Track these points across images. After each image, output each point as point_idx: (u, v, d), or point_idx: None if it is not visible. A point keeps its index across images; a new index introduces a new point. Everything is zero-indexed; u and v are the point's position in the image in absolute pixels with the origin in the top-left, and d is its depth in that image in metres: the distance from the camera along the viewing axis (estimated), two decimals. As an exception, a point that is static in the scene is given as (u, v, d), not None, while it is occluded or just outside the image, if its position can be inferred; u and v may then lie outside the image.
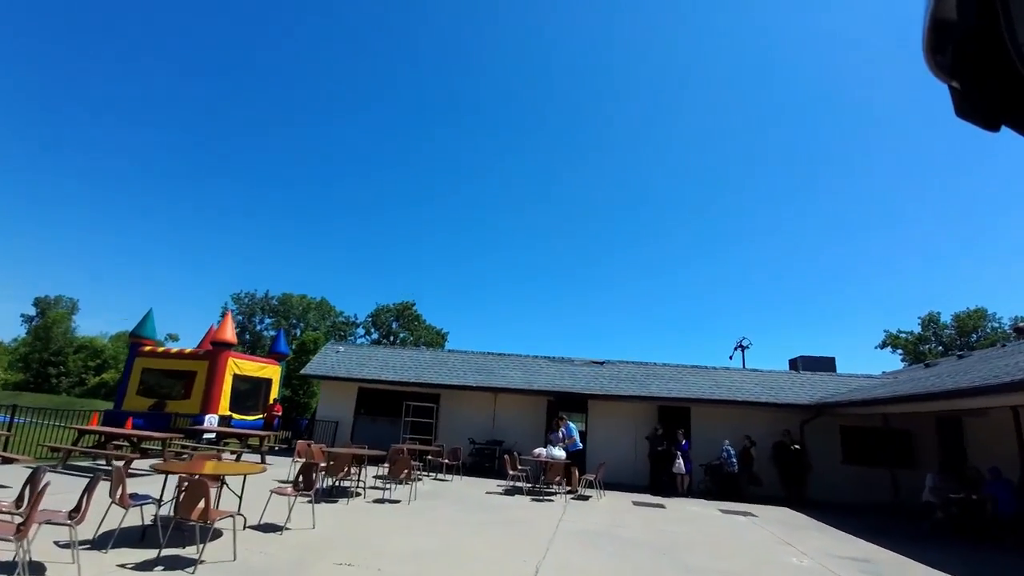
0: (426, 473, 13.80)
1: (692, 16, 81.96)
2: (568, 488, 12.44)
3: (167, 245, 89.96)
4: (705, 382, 15.53)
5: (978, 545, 8.92)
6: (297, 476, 7.57)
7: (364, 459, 11.19)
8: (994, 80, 0.68)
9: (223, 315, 21.34)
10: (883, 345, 54.21)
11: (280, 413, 18.69)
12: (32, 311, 68.92)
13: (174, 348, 22.31)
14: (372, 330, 69.69)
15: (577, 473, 12.45)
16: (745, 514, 11.32)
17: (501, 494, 11.55)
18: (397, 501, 9.59)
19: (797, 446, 13.50)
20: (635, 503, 11.70)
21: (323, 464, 9.41)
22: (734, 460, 13.79)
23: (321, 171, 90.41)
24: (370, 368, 17.44)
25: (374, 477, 11.60)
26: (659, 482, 13.84)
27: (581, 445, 12.68)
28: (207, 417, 16.59)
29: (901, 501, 12.35)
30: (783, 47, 77.18)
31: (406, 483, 10.15)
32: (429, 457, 13.87)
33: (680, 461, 12.81)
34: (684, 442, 13.18)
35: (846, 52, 70.82)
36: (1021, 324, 13.68)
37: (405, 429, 16.19)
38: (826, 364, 17.17)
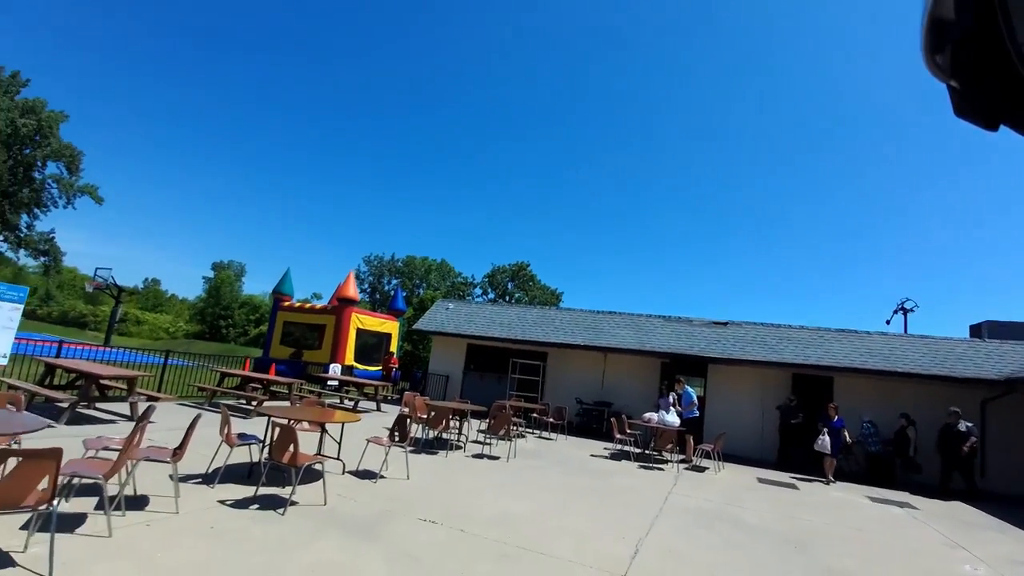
0: (530, 431, 13.57)
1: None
2: (681, 458, 11.40)
3: (313, 213, 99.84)
4: (854, 349, 13.19)
5: None
6: (393, 427, 7.55)
7: (466, 413, 11.15)
8: (993, 80, 0.67)
9: (348, 275, 22.69)
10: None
11: (396, 365, 19.68)
12: (210, 273, 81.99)
13: (307, 303, 24.47)
14: (489, 290, 71.81)
15: (692, 442, 11.32)
16: (902, 504, 9.46)
17: (607, 458, 10.88)
18: (496, 458, 9.36)
19: (969, 424, 10.82)
20: (760, 480, 10.35)
21: (423, 416, 9.45)
22: (876, 438, 11.68)
23: (451, 145, 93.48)
24: (478, 325, 17.50)
25: (478, 431, 11.53)
26: (789, 458, 12.19)
27: (698, 413, 11.46)
28: (332, 366, 17.92)
29: None
30: (783, 46, 62.34)
31: (507, 439, 9.88)
32: (535, 415, 13.59)
33: (826, 438, 10.89)
34: (837, 418, 11.13)
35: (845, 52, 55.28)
36: None
37: (511, 386, 16.09)
38: (1021, 331, 13.65)
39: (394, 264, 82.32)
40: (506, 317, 17.68)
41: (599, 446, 12.21)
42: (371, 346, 23.67)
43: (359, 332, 22.55)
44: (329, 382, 16.32)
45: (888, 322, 21.04)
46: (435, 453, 9.07)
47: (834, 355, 13.04)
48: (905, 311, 19.84)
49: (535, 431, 13.53)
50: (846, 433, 11.23)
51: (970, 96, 0.71)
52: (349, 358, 21.79)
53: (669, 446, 10.41)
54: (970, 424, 10.85)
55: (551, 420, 13.22)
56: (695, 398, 11.42)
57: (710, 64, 78.53)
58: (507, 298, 68.71)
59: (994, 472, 11.81)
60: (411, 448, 9.06)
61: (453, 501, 6.27)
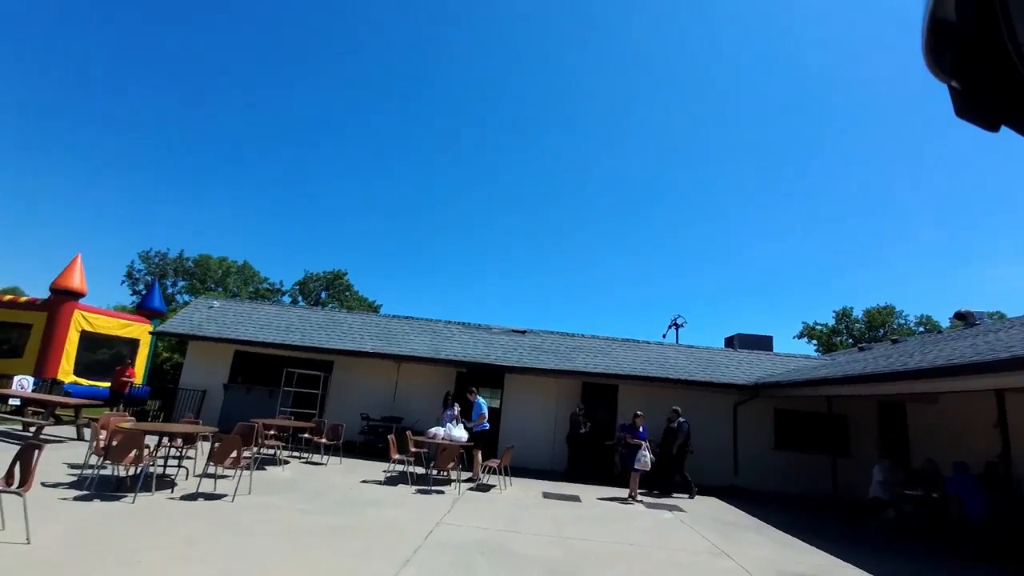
0: (297, 455, 11.20)
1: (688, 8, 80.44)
2: (468, 476, 10.27)
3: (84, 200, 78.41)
4: (635, 357, 13.79)
5: (942, 553, 7.51)
6: (12, 464, 4.84)
7: (193, 436, 8.49)
8: (994, 80, 0.68)
9: (74, 258, 17.21)
10: (800, 335, 56.20)
11: (132, 378, 15.30)
12: None
13: (9, 295, 18.12)
14: (299, 299, 65.09)
15: (480, 458, 10.28)
16: (671, 508, 9.59)
17: (381, 483, 9.19)
18: (220, 496, 7.00)
19: (681, 420, 11.39)
20: (546, 495, 9.69)
21: (102, 444, 6.66)
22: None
23: (250, 129, 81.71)
24: (249, 328, 14.43)
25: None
26: (577, 468, 11.97)
27: (488, 425, 10.50)
28: (16, 378, 13.01)
29: (840, 493, 11.09)
30: (780, 45, 77.35)
31: (238, 469, 7.55)
32: (304, 435, 11.29)
33: (647, 454, 10.13)
34: (642, 429, 10.67)
35: (845, 51, 71.85)
36: (963, 311, 12.64)
37: (285, 401, 13.43)
38: (764, 343, 15.98)
39: (182, 263, 69.35)
40: (285, 319, 14.93)
41: (379, 469, 10.45)
42: (111, 357, 18.43)
43: (85, 336, 17.30)
44: (10, 400, 11.64)
45: (664, 336, 23.84)
46: (117, 498, 6.35)
47: (619, 364, 13.40)
48: (677, 326, 22.46)
49: (303, 455, 11.20)
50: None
51: (971, 96, 0.71)
52: (65, 370, 16.47)
53: (451, 464, 9.15)
54: (682, 420, 11.33)
55: (324, 441, 11.06)
56: (485, 409, 10.44)
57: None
58: (320, 309, 62.97)
59: (744, 469, 13.11)
60: (79, 493, 6.27)
61: (74, 581, 3.95)
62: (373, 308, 66.21)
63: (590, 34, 76.37)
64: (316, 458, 11.05)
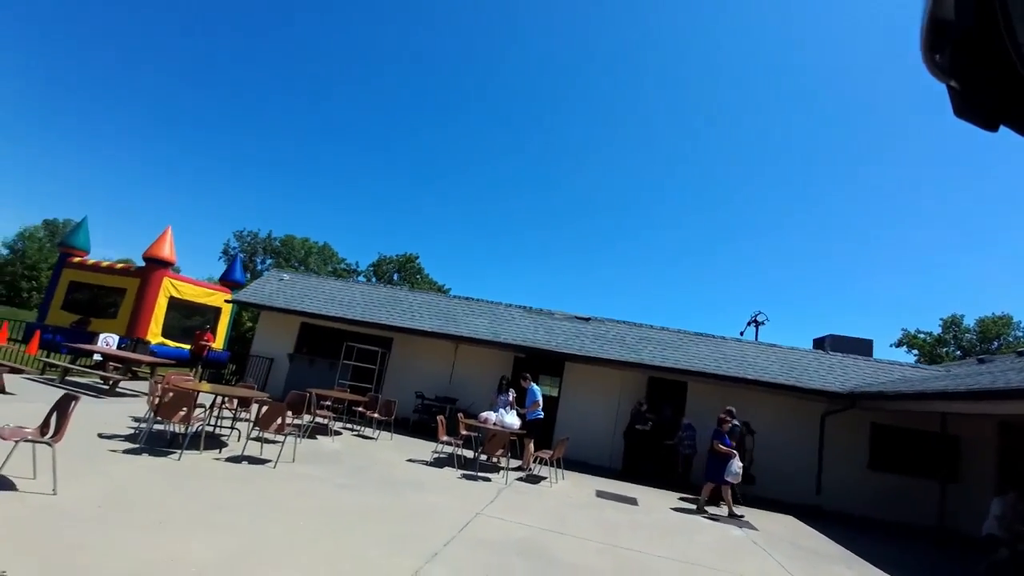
0: (350, 427, 11.19)
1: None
2: (517, 464, 9.74)
3: (183, 180, 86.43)
4: (709, 353, 12.57)
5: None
6: (49, 414, 4.83)
7: (250, 401, 8.55)
8: (993, 80, 0.67)
9: (164, 230, 18.40)
10: (899, 344, 50.72)
11: (211, 343, 16.14)
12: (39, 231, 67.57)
13: (106, 262, 19.74)
14: (373, 279, 67.54)
15: (531, 447, 9.70)
16: (740, 523, 8.53)
17: (428, 464, 8.86)
18: (265, 461, 6.91)
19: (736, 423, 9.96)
20: (599, 493, 8.95)
21: (155, 401, 6.73)
22: (692, 442, 10.99)
23: (339, 120, 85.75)
24: (315, 301, 14.69)
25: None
26: (635, 467, 11.10)
27: (542, 414, 9.88)
28: (102, 336, 13.99)
29: (945, 525, 9.49)
30: (780, 43, 70.61)
31: (286, 436, 7.44)
32: (359, 409, 11.24)
33: (738, 463, 8.92)
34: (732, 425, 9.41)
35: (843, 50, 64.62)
36: None
37: (344, 374, 13.56)
38: (861, 347, 14.10)
39: (270, 243, 74.31)
40: (348, 294, 15.06)
41: (428, 448, 10.16)
42: (197, 322, 19.67)
43: (173, 302, 18.50)
44: (94, 355, 12.51)
45: (742, 334, 21.94)
46: (163, 454, 6.38)
47: (691, 359, 12.28)
48: (757, 323, 20.56)
49: (356, 428, 11.17)
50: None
51: (970, 96, 0.70)
52: (155, 332, 17.71)
53: (500, 451, 8.63)
54: (737, 423, 9.90)
55: (376, 416, 10.95)
56: (539, 397, 9.82)
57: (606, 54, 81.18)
58: (383, 285, 65.21)
59: (829, 488, 11.63)
60: (130, 446, 6.35)
61: (89, 537, 3.77)
62: (443, 291, 67.62)
63: (676, 15, 72.47)
64: (368, 432, 10.97)
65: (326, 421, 10.20)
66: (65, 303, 18.30)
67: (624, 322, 13.91)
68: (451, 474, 8.40)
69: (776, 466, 11.40)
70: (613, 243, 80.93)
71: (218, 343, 19.64)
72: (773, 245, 73.41)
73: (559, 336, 13.02)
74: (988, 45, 0.64)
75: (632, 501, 8.78)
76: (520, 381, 10.20)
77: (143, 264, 18.03)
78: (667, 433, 11.70)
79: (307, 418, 9.64)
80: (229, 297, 18.58)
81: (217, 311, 20.18)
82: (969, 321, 49.45)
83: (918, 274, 65.76)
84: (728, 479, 8.71)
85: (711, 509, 9.00)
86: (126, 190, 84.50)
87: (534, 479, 9.16)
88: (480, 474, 8.64)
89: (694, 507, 9.11)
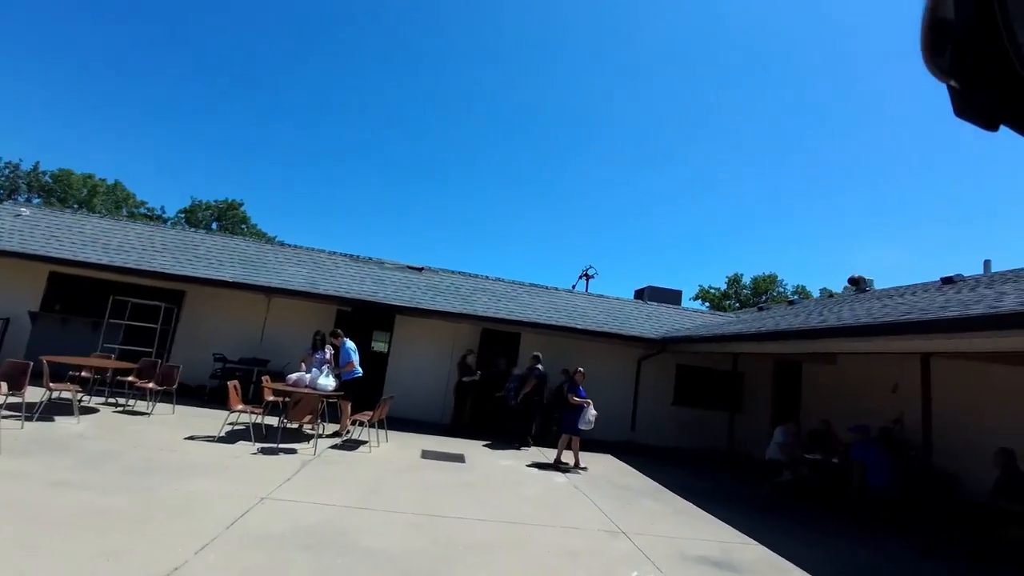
0: (113, 403, 8.92)
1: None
2: (334, 430, 8.62)
3: None
4: (542, 304, 12.62)
5: (848, 524, 7.03)
6: None
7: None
8: (993, 80, 0.67)
9: None
10: (696, 297, 59.45)
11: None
12: None
13: None
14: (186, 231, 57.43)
15: (348, 410, 8.64)
16: (565, 469, 8.63)
17: (213, 440, 7.28)
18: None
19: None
20: (425, 453, 8.31)
21: None
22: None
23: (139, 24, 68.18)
24: (67, 244, 11.33)
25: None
26: (464, 422, 10.74)
27: (361, 372, 8.80)
28: None
29: (735, 450, 10.84)
30: (780, 42, 76.25)
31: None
32: (129, 379, 8.98)
33: (591, 412, 8.69)
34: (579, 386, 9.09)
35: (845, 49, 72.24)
36: (856, 276, 12.68)
37: (113, 336, 10.81)
38: (673, 297, 15.52)
39: (37, 177, 58.09)
40: (119, 236, 11.93)
41: (223, 421, 8.47)
42: None
43: None
44: None
45: (573, 287, 23.13)
46: None
47: (524, 310, 12.15)
48: (588, 277, 21.79)
49: (123, 404, 8.93)
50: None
51: (970, 96, 0.70)
52: None
53: (307, 418, 7.41)
54: (539, 368, 10.28)
55: (151, 386, 8.82)
56: (354, 356, 8.70)
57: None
58: (169, 227, 56.35)
59: (642, 425, 12.64)
60: None
61: None
62: (272, 243, 60.48)
63: None
64: (141, 407, 8.82)
65: (72, 396, 7.88)
66: None
67: (459, 272, 13.27)
68: (243, 450, 6.99)
69: (599, 408, 11.96)
70: (458, 195, 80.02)
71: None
72: (606, 206, 79.35)
73: (389, 287, 11.89)
74: (988, 45, 0.64)
75: (459, 459, 8.31)
76: (330, 339, 8.95)
77: None
78: (502, 386, 11.52)
79: (40, 394, 7.30)
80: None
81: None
82: (746, 279, 59.25)
83: (718, 238, 76.90)
84: (582, 427, 8.67)
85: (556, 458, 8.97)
86: None
87: (352, 445, 8.16)
88: (283, 446, 7.35)
89: (519, 457, 9.00)
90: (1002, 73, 0.65)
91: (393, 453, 8.06)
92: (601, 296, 13.74)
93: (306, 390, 8.00)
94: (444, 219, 76.65)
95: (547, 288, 13.53)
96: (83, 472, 5.21)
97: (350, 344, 8.78)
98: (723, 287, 59.61)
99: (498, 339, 12.17)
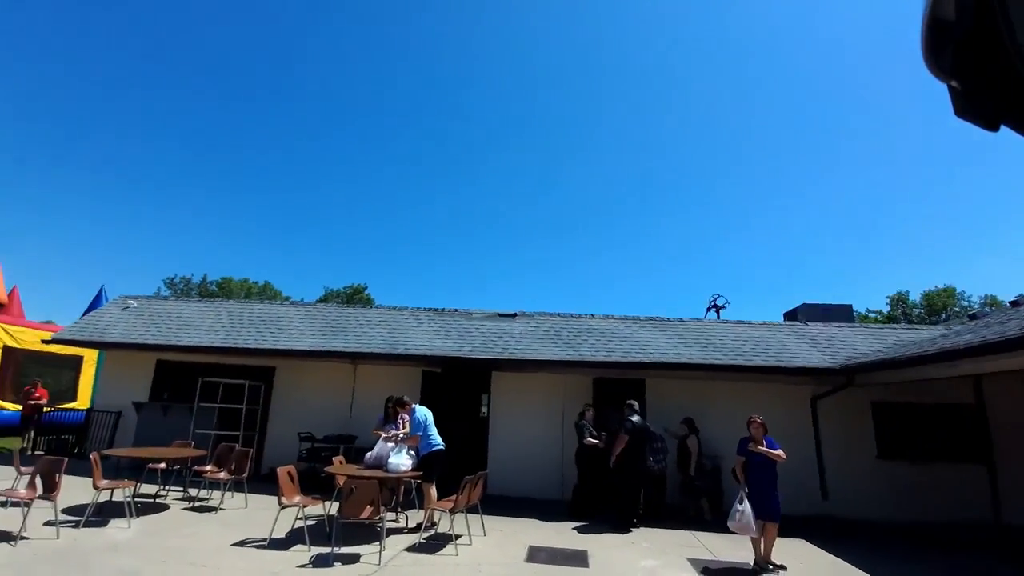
0: (190, 496, 7.95)
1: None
2: (419, 523, 6.73)
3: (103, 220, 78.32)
4: (667, 340, 10.04)
5: None
6: None
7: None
8: (994, 80, 0.67)
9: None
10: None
11: (42, 399, 12.43)
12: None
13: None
14: (314, 315, 62.88)
15: (433, 495, 6.75)
16: (745, 570, 5.83)
17: (263, 547, 5.74)
18: None
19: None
20: (533, 553, 6.06)
21: None
22: (664, 456, 8.73)
23: (253, 152, 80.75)
24: (166, 330, 11.33)
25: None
26: (590, 501, 8.29)
27: (440, 444, 6.96)
28: None
29: (1005, 523, 7.13)
30: (781, 43, 72.56)
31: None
32: (198, 468, 8.08)
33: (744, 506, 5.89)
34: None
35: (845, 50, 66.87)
36: None
37: (206, 420, 10.25)
38: (840, 314, 11.91)
39: (206, 287, 68.53)
40: (211, 317, 11.77)
41: (294, 515, 7.04)
42: (45, 375, 15.71)
43: (8, 352, 14.62)
44: None
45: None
46: None
47: (644, 349, 9.68)
48: (717, 308, 18.38)
49: (198, 496, 7.93)
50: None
51: (971, 96, 0.70)
52: (-14, 392, 13.80)
53: (367, 511, 5.62)
54: (632, 419, 8.04)
55: (223, 476, 7.76)
56: (426, 421, 6.91)
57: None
58: (257, 301, 61.11)
59: (837, 490, 9.19)
60: None
61: None
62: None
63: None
64: (214, 498, 7.74)
65: (157, 491, 6.97)
66: None
67: (558, 314, 11.23)
68: (290, 561, 5.33)
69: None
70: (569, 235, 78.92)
71: (83, 401, 15.78)
72: (734, 224, 73.09)
73: (477, 339, 10.19)
74: (988, 45, 0.64)
75: (580, 560, 5.93)
76: (387, 407, 7.36)
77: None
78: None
79: (96, 493, 6.41)
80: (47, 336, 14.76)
81: (78, 361, 16.33)
82: (914, 296, 49.85)
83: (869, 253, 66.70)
84: (732, 525, 5.95)
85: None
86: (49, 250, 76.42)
87: (435, 544, 6.19)
88: (343, 550, 5.60)
89: (663, 551, 6.36)
90: (1003, 73, 0.64)
91: (489, 554, 5.93)
92: (743, 322, 10.79)
93: (372, 473, 6.32)
94: (540, 263, 75.61)
95: (669, 320, 10.93)
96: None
97: (420, 412, 7.04)
98: (885, 309, 50.60)
99: (616, 388, 9.75)
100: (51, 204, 69.48)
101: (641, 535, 7.21)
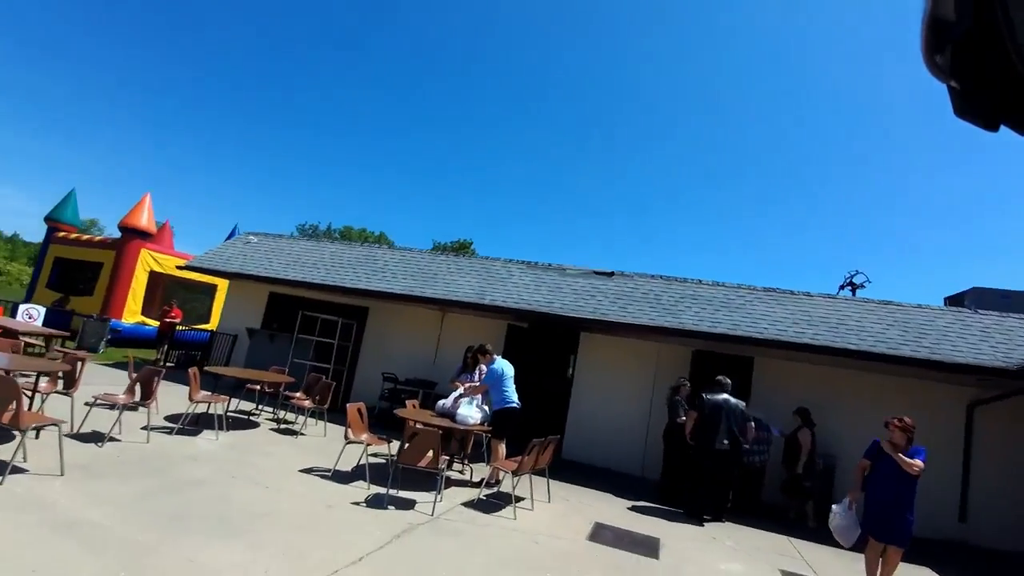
0: (279, 418, 8.39)
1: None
2: (483, 479, 6.42)
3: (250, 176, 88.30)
4: (787, 314, 8.60)
5: None
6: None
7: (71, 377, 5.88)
8: (994, 80, 0.66)
9: (142, 197, 16.56)
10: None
11: (177, 319, 14.00)
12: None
13: (88, 235, 18.30)
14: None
15: (502, 452, 6.38)
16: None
17: (328, 477, 5.77)
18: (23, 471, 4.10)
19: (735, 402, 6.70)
20: (598, 531, 5.48)
21: None
22: (768, 445, 7.50)
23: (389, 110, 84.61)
24: (276, 265, 12.04)
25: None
26: (673, 482, 7.46)
27: (515, 401, 6.50)
28: (22, 307, 12.04)
29: None
30: (782, 44, 60.33)
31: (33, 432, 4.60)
32: (285, 393, 8.49)
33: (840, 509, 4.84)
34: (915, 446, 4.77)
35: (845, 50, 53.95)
36: None
37: (304, 351, 10.82)
38: (1018, 303, 9.43)
39: (331, 234, 75.31)
40: (315, 256, 12.27)
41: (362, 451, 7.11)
42: (182, 298, 17.87)
43: (155, 277, 16.71)
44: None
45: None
46: None
47: (757, 323, 8.38)
48: (853, 287, 15.69)
49: (288, 419, 8.35)
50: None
51: (970, 96, 0.69)
52: (132, 310, 15.93)
53: (426, 459, 5.35)
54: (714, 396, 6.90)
55: (308, 404, 8.07)
56: (503, 375, 6.45)
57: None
58: (359, 244, 64.67)
59: (980, 513, 7.52)
60: None
61: None
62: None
63: None
64: (299, 423, 8.10)
65: (252, 409, 7.45)
66: (51, 281, 16.98)
67: (660, 277, 10.13)
68: (347, 496, 5.25)
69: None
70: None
71: (214, 323, 17.76)
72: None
73: (568, 296, 9.50)
74: (988, 45, 0.63)
75: (650, 549, 5.23)
76: (468, 356, 6.96)
77: (120, 235, 16.31)
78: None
79: (192, 404, 6.88)
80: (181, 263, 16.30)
81: (212, 288, 18.32)
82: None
83: None
84: (838, 538, 4.88)
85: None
86: (198, 185, 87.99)
87: (496, 503, 5.83)
88: (400, 494, 5.43)
89: (751, 554, 5.44)
90: (1002, 73, 0.64)
91: (550, 524, 5.45)
92: (889, 303, 8.94)
93: (440, 421, 6.06)
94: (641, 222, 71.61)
95: (792, 293, 9.37)
96: (133, 507, 4.02)
97: (499, 364, 6.60)
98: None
99: (719, 365, 8.59)
100: (213, 152, 79.21)
101: (726, 531, 6.31)
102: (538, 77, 79.75)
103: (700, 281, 9.87)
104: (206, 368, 8.26)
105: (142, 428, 6.08)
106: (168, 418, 6.87)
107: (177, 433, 6.43)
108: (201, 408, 7.21)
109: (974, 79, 0.68)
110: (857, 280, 15.48)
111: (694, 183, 75.43)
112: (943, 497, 7.54)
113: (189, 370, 6.90)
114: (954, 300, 10.76)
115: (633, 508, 6.70)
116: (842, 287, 15.56)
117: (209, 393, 7.17)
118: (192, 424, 6.83)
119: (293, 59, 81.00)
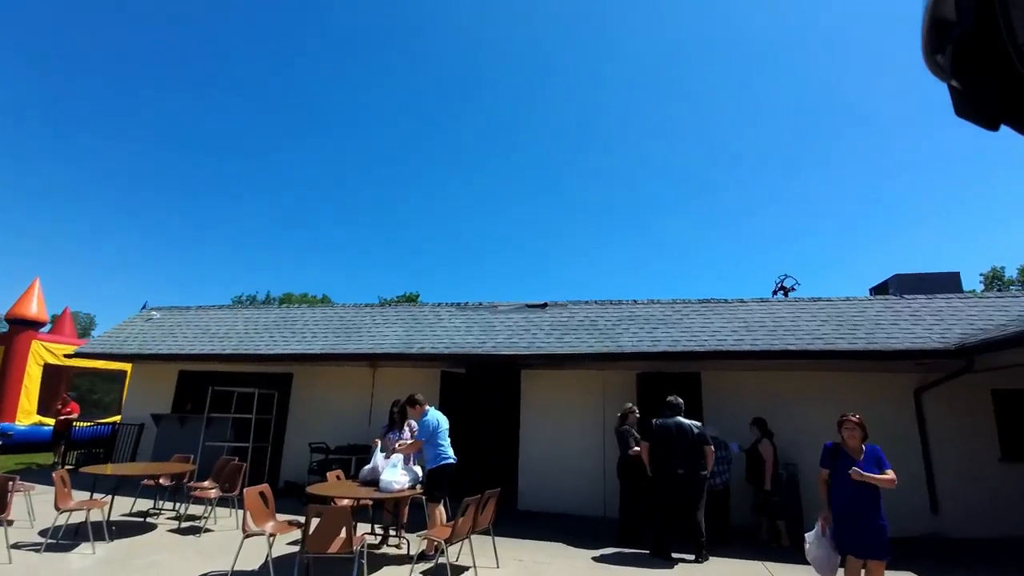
0: (182, 512, 7.19)
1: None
2: (423, 552, 5.54)
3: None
4: (724, 323, 8.39)
5: None
6: None
7: None
8: (994, 80, 0.66)
9: (31, 283, 14.89)
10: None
11: (73, 413, 12.32)
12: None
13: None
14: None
15: (441, 517, 5.57)
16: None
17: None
18: None
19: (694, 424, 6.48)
20: (554, 594, 4.73)
21: None
22: (728, 465, 7.10)
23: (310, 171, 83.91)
24: (183, 339, 10.85)
25: None
26: (633, 519, 6.82)
27: (450, 456, 5.76)
28: None
29: None
30: (784, 45, 67.86)
31: None
32: (185, 483, 7.32)
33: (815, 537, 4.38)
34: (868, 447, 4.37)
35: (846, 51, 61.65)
36: None
37: (219, 432, 9.64)
38: (946, 283, 9.68)
39: (270, 302, 71.85)
40: (227, 324, 11.17)
41: (284, 540, 6.08)
42: (103, 390, 16.03)
43: (51, 370, 14.84)
44: None
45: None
46: None
47: (697, 336, 8.10)
48: (785, 291, 16.12)
49: (185, 510, 7.15)
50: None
51: (971, 96, 0.70)
52: (26, 409, 14.00)
53: (336, 544, 4.49)
54: (662, 420, 6.45)
55: (214, 493, 6.95)
56: (437, 428, 5.74)
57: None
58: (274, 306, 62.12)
59: (948, 503, 7.31)
60: None
61: None
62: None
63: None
64: (210, 516, 6.93)
65: (101, 516, 6.22)
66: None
67: (594, 302, 9.78)
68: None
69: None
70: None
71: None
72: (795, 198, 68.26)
73: (503, 334, 8.94)
74: (989, 45, 0.63)
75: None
76: (406, 409, 6.20)
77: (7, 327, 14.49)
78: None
79: (63, 514, 5.67)
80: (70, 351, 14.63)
81: (121, 376, 16.49)
82: (1010, 272, 44.06)
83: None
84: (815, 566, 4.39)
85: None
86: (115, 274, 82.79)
87: (449, 573, 4.98)
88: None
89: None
90: (1003, 73, 0.64)
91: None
92: (820, 299, 8.93)
93: (355, 493, 5.22)
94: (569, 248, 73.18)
95: (727, 301, 9.23)
96: None
97: (432, 416, 5.87)
98: (979, 289, 45.10)
99: (666, 385, 8.17)
100: (109, 225, 75.01)
101: (699, 569, 5.71)
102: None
103: (635, 301, 9.59)
104: (84, 469, 7.01)
105: (13, 546, 4.91)
106: (43, 532, 5.66)
107: (47, 549, 5.25)
108: (83, 516, 6.00)
109: (974, 79, 0.68)
110: (787, 284, 15.99)
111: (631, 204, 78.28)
112: (911, 491, 7.27)
113: (54, 474, 5.74)
114: (879, 289, 11.02)
115: (597, 558, 6.00)
116: (774, 292, 15.96)
117: (86, 498, 5.99)
118: (70, 536, 5.65)
119: (203, 115, 79.22)
